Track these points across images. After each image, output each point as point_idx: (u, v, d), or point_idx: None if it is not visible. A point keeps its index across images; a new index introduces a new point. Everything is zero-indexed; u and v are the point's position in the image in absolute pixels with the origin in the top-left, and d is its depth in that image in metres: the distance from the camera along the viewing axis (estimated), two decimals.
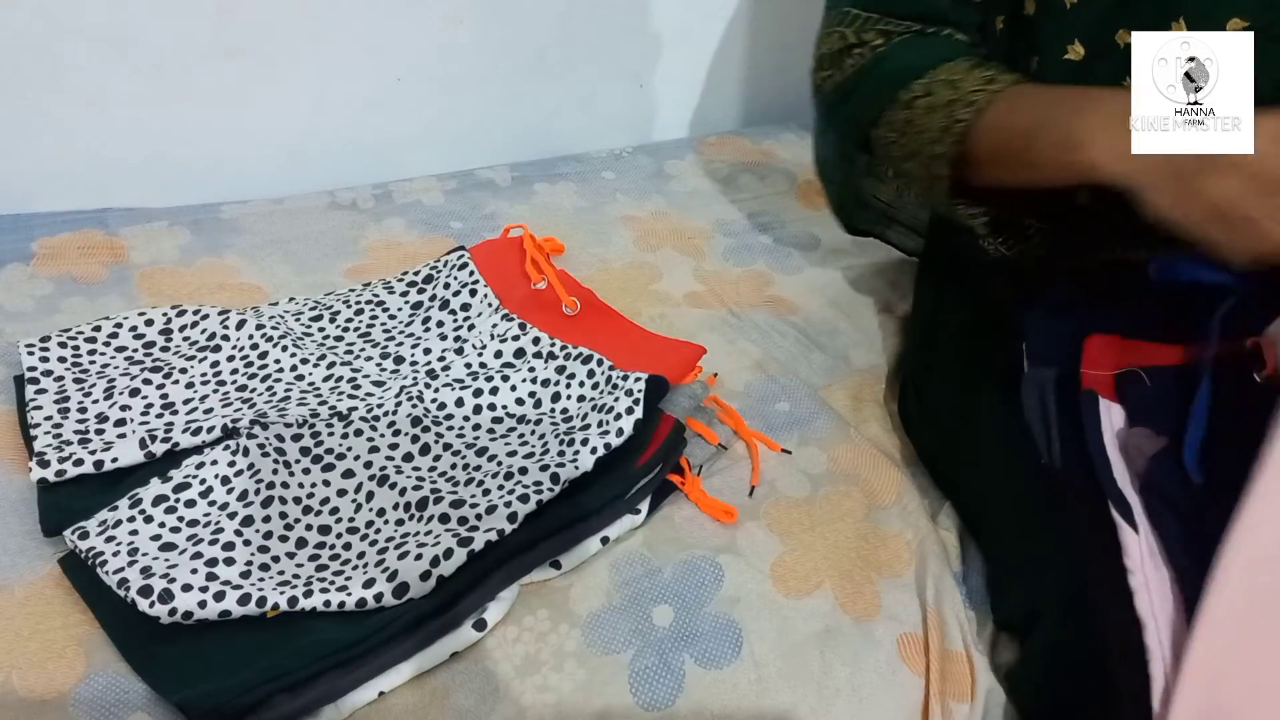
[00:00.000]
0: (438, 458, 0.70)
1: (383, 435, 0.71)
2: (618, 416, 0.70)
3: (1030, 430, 0.66)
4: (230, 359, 0.77)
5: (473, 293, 0.85)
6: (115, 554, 0.59)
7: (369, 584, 0.58)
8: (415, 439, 0.71)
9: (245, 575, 0.59)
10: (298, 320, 0.82)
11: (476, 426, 0.74)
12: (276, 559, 0.62)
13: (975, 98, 0.66)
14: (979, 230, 0.74)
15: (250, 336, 0.78)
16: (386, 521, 0.65)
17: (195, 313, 0.79)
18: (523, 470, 0.67)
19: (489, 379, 0.77)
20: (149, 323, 0.79)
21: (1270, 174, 0.51)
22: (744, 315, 0.95)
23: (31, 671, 0.54)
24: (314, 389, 0.75)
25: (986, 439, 0.74)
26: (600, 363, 0.77)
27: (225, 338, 0.78)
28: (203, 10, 0.94)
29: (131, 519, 0.62)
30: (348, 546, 0.64)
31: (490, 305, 0.84)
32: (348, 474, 0.68)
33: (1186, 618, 0.54)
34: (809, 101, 0.82)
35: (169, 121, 0.98)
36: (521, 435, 0.73)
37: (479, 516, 0.63)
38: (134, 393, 0.72)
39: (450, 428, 0.73)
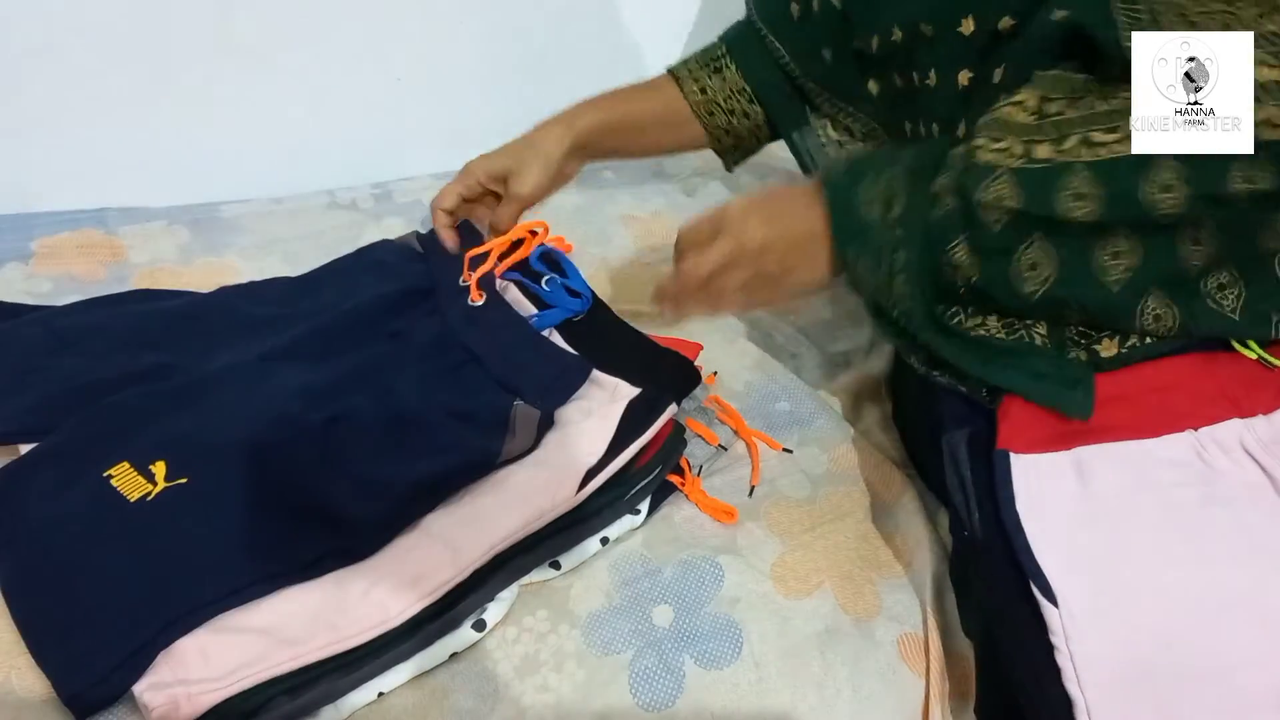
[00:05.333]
0: None
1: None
2: None
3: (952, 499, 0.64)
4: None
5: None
6: None
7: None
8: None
9: None
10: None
11: None
12: None
13: None
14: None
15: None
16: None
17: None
18: None
19: None
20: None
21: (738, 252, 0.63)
22: (744, 315, 0.95)
23: (31, 672, 0.54)
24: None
25: (933, 478, 0.72)
26: None
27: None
28: (203, 10, 0.94)
29: None
30: None
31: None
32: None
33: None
34: None
35: (169, 121, 0.98)
36: None
37: None
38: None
39: None
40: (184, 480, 0.61)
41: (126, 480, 0.60)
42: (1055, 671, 0.53)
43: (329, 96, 1.05)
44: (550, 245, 0.87)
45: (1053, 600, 0.55)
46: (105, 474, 0.60)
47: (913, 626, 0.66)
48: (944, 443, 0.66)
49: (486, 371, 0.73)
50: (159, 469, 0.61)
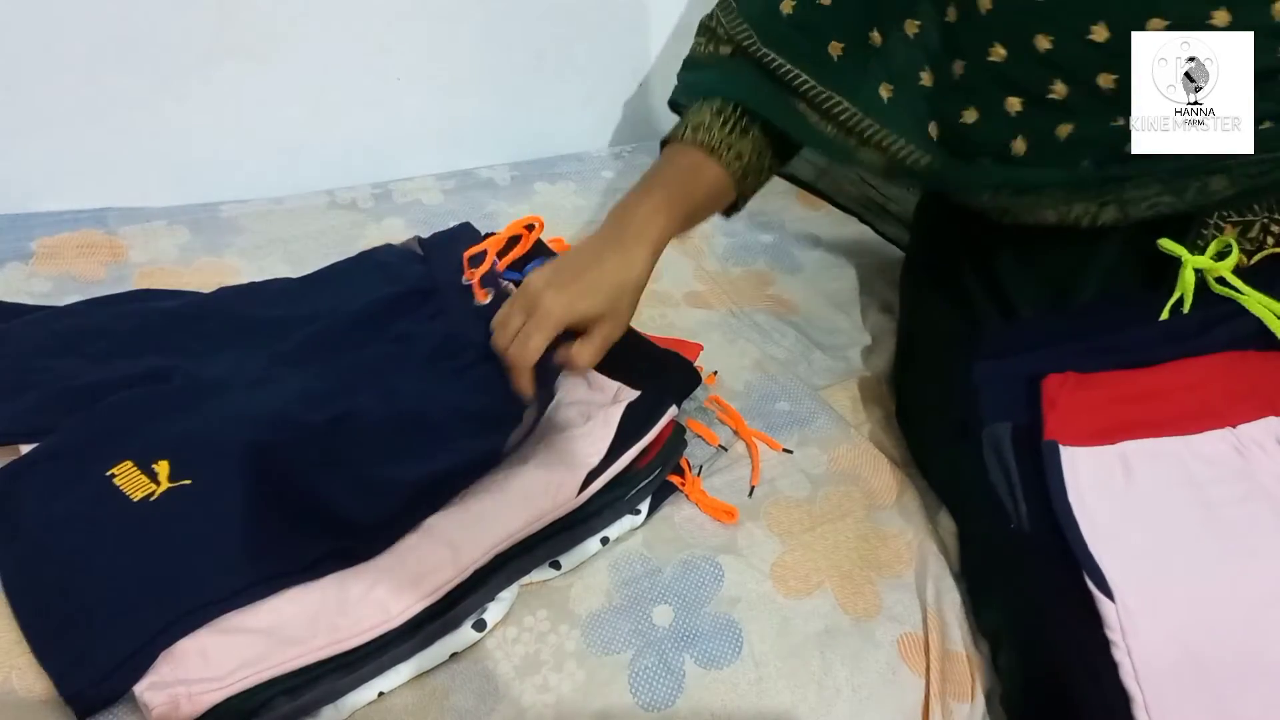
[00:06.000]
0: None
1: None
2: None
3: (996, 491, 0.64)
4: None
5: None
6: None
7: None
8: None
9: None
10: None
11: None
12: None
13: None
14: None
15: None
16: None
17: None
18: None
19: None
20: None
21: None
22: (744, 315, 0.95)
23: (31, 671, 0.54)
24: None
25: (958, 469, 0.71)
26: None
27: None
28: (203, 10, 0.94)
29: None
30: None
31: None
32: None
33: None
34: None
35: (169, 121, 0.98)
36: None
37: None
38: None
39: None
40: (187, 481, 0.61)
41: (129, 479, 0.60)
42: (1112, 666, 0.53)
43: (329, 96, 1.05)
44: (550, 247, 0.88)
45: (1109, 594, 0.55)
46: (108, 473, 0.60)
47: (913, 626, 0.66)
48: (985, 435, 0.66)
49: (498, 369, 0.73)
50: (162, 469, 0.61)
